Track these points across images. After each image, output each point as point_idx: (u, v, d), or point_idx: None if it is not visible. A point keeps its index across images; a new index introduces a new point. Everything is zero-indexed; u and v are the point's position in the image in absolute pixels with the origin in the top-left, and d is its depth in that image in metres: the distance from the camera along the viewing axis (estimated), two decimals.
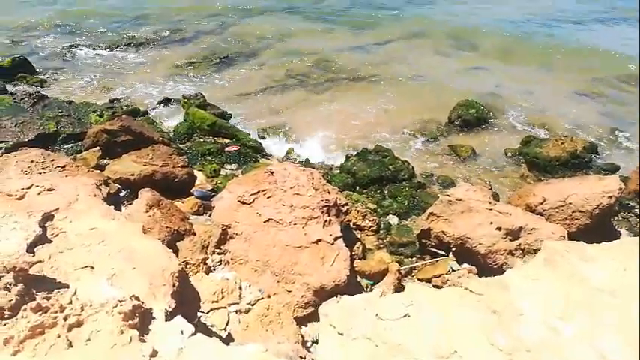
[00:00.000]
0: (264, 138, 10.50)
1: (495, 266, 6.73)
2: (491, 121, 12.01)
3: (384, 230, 8.06)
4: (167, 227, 6.33)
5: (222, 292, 5.41)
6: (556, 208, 7.34)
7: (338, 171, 9.53)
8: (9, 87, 11.71)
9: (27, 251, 3.55)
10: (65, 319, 2.64)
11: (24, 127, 9.74)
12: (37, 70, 13.12)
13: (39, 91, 10.93)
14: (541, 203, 7.49)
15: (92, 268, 3.60)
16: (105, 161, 8.95)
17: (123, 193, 7.68)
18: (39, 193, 4.48)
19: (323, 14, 19.52)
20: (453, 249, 7.12)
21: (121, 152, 9.03)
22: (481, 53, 16.68)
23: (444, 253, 7.30)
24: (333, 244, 6.03)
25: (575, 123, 12.09)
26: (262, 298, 5.49)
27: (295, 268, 5.64)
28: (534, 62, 16.20)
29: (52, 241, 3.85)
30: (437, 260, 7.29)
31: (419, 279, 7.20)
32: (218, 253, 6.29)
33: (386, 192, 9.09)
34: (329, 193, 6.90)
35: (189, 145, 9.96)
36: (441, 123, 11.87)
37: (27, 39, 15.89)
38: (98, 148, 8.99)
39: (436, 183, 9.59)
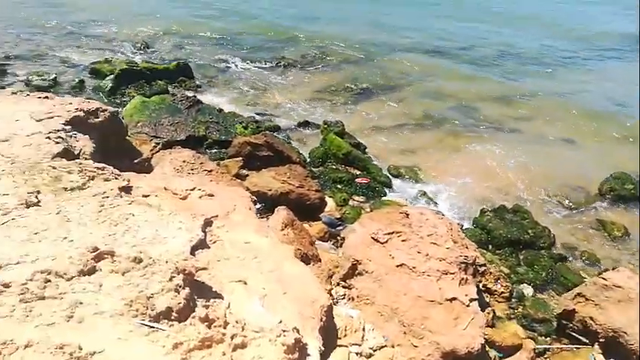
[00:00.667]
0: (396, 176, 10.27)
1: None
2: None
3: (516, 300, 7.34)
4: (298, 249, 6.31)
5: (345, 330, 5.20)
6: None
7: (470, 224, 8.98)
8: (170, 88, 12.86)
9: (190, 254, 3.61)
10: (232, 337, 2.56)
11: (178, 127, 10.53)
12: (195, 76, 14.26)
13: (195, 96, 11.82)
14: None
15: (245, 283, 3.56)
16: (244, 171, 9.33)
17: (257, 206, 7.89)
18: (200, 197, 4.64)
19: (471, 60, 19.05)
20: (601, 340, 6.24)
21: (260, 166, 9.37)
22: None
23: (587, 341, 6.44)
24: (468, 305, 5.56)
25: None
26: (385, 346, 5.18)
27: (426, 324, 5.26)
28: None
29: (209, 248, 3.90)
30: (577, 348, 6.44)
31: None
32: (343, 287, 6.11)
33: (521, 257, 8.34)
34: (467, 248, 6.44)
35: (322, 170, 10.05)
36: (590, 193, 10.76)
37: (187, 46, 17.44)
38: (240, 158, 9.39)
39: (579, 258, 8.61)
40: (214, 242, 3.99)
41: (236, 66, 16.06)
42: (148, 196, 4.87)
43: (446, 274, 5.88)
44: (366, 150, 11.01)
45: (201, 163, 8.13)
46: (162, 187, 4.80)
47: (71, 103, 7.62)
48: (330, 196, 8.84)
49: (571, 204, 10.27)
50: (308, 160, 10.30)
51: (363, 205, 9.07)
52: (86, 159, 6.66)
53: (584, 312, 6.38)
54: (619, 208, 10.26)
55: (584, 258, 8.59)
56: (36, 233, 3.86)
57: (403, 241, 6.22)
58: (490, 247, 8.52)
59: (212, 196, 4.69)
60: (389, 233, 6.31)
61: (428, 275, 5.80)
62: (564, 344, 6.58)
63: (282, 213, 6.66)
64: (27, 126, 6.73)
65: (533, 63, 20.01)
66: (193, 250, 3.73)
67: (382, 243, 6.19)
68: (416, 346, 5.22)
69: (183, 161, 7.93)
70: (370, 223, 6.66)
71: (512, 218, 9.07)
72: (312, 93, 14.30)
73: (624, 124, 14.68)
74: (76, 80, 12.89)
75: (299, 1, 25.60)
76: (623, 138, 13.69)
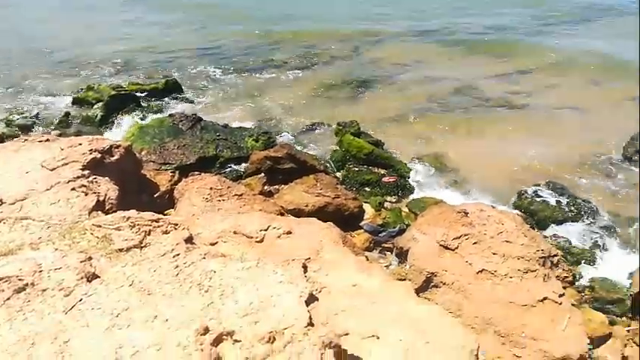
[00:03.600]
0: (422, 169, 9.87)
1: None
2: None
3: (581, 283, 7.05)
4: None
5: None
6: None
7: (510, 209, 8.64)
8: (164, 108, 12.16)
9: (308, 313, 3.10)
10: None
11: (185, 149, 9.89)
12: (186, 91, 13.56)
13: (195, 114, 11.15)
14: None
15: (378, 338, 3.07)
16: (268, 187, 8.80)
17: None
18: (279, 236, 4.13)
19: (459, 40, 18.71)
20: None
21: (283, 179, 8.85)
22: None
23: None
24: (560, 303, 5.20)
25: None
26: None
27: (526, 331, 4.87)
28: None
29: (317, 299, 3.40)
30: None
31: (638, 344, 6.10)
32: None
33: (572, 236, 8.05)
34: (538, 240, 6.09)
35: (344, 173, 9.57)
36: (612, 158, 10.57)
37: (170, 61, 16.60)
38: (262, 174, 8.84)
39: (626, 226, 8.38)
40: (319, 291, 3.50)
41: (225, 75, 15.34)
42: (216, 243, 4.34)
43: (527, 272, 5.51)
44: (384, 146, 10.55)
45: (229, 187, 7.58)
46: (229, 231, 4.26)
47: (81, 144, 6.97)
48: (366, 202, 8.37)
49: (599, 172, 10.05)
50: (326, 164, 9.79)
51: (398, 205, 8.64)
52: (112, 204, 6.07)
53: None
54: None
55: (633, 224, 8.36)
56: (117, 315, 3.31)
57: (474, 244, 5.81)
58: (537, 229, 8.19)
59: (290, 233, 4.18)
60: (457, 238, 5.89)
61: (511, 277, 5.41)
62: None
63: (335, 233, 6.16)
64: (41, 178, 6.09)
65: (524, 36, 19.82)
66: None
67: (453, 250, 5.77)
68: (519, 357, 4.84)
69: (210, 188, 7.36)
70: (430, 229, 6.23)
71: (550, 196, 8.77)
72: (308, 93, 13.77)
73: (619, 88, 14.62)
74: (61, 114, 12.04)
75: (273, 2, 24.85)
76: (626, 98, 13.59)
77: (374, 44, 17.84)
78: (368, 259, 6.55)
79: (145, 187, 7.91)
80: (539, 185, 9.15)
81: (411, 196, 9.01)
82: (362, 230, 7.78)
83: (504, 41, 18.77)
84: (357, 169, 9.71)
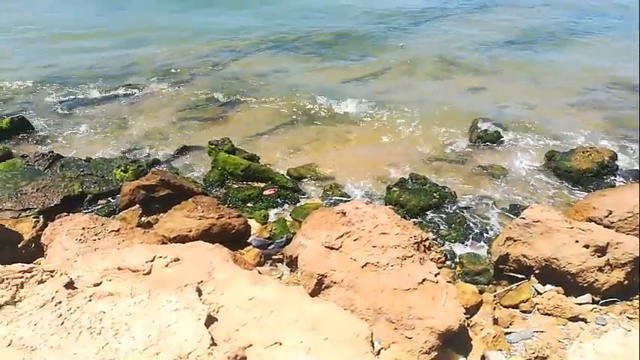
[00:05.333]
0: (298, 178, 10.20)
1: (585, 285, 6.65)
2: (506, 139, 12.15)
3: (451, 261, 7.89)
4: None
5: None
6: (625, 219, 7.39)
7: (382, 203, 9.34)
8: (14, 150, 11.02)
9: (209, 334, 3.16)
10: None
11: (46, 190, 9.12)
12: (35, 128, 12.43)
13: (52, 151, 10.29)
14: (607, 216, 7.53)
15: (280, 344, 3.24)
16: (144, 218, 8.45)
17: None
18: (167, 265, 4.06)
19: (312, 49, 19.62)
20: (536, 272, 7.01)
21: (160, 208, 8.56)
22: (472, 74, 17.13)
23: (523, 276, 7.18)
24: (437, 282, 5.80)
25: (581, 132, 12.45)
26: (382, 349, 5.17)
27: (412, 313, 5.35)
28: (522, 78, 16.78)
29: (217, 319, 3.46)
30: (517, 285, 7.14)
31: (504, 306, 7.01)
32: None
33: (438, 220, 8.95)
34: (409, 228, 6.70)
35: (224, 192, 9.55)
36: (461, 144, 11.96)
37: (14, 97, 15.05)
38: (137, 206, 8.46)
39: (481, 204, 9.54)
40: (217, 311, 3.55)
41: (78, 104, 14.27)
42: (100, 283, 4.14)
43: (405, 259, 6.05)
44: (259, 160, 10.73)
45: (103, 225, 7.16)
46: (113, 268, 4.10)
47: None
48: (250, 217, 8.45)
49: (450, 158, 11.31)
50: (205, 185, 9.69)
51: (282, 215, 8.86)
52: None
53: (517, 252, 7.10)
54: (488, 151, 11.59)
55: (483, 202, 9.54)
56: None
57: (355, 240, 6.23)
58: (408, 218, 8.97)
59: (178, 260, 4.13)
60: (339, 237, 6.26)
61: (392, 266, 5.90)
62: (505, 286, 7.25)
63: (224, 252, 6.17)
64: None
65: (370, 40, 21.43)
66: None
67: (338, 249, 6.13)
68: (410, 338, 5.30)
69: (83, 228, 6.90)
70: (314, 232, 6.55)
71: (415, 187, 9.66)
72: (176, 114, 13.44)
73: (459, 79, 16.59)
74: None
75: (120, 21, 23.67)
76: (462, 91, 15.44)
77: (235, 58, 18.00)
78: (260, 273, 6.67)
79: (6, 239, 7.15)
80: (404, 179, 9.99)
81: (294, 206, 9.29)
82: (251, 247, 7.86)
83: (353, 49, 20.10)
84: (236, 186, 9.75)
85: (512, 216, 8.84)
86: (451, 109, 13.90)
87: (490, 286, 7.40)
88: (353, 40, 21.38)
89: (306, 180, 10.27)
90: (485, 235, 8.58)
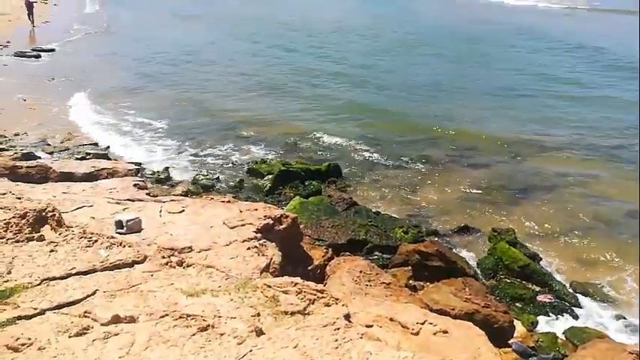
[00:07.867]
0: (583, 294, 9.00)
1: None
2: None
3: None
4: None
5: None
6: None
7: None
8: (322, 188, 13.05)
9: None
10: None
11: (338, 229, 10.43)
12: (344, 175, 14.43)
13: (351, 198, 11.80)
14: None
15: None
16: (412, 281, 8.78)
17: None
18: (434, 333, 4.13)
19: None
20: None
21: (429, 276, 8.79)
22: None
23: None
24: None
25: None
26: None
27: None
28: None
29: None
30: None
31: None
32: None
33: None
34: None
35: (495, 283, 9.15)
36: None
37: (332, 145, 17.83)
38: (410, 267, 8.89)
39: None
40: None
41: (380, 165, 15.98)
42: (371, 326, 4.49)
43: None
44: (541, 261, 9.92)
45: (377, 274, 7.79)
46: (386, 317, 4.38)
47: (257, 210, 7.82)
48: (517, 319, 7.86)
49: None
50: (478, 271, 9.48)
51: (554, 330, 7.93)
52: (276, 269, 6.58)
53: None
54: None
55: None
56: None
57: None
58: None
59: (447, 332, 4.15)
60: None
61: None
62: None
63: (490, 344, 5.86)
64: (223, 233, 6.92)
65: None
66: None
67: None
68: None
69: (360, 271, 7.64)
70: None
71: None
72: (464, 193, 13.66)
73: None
74: (237, 180, 13.66)
75: (442, 99, 25.20)
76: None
77: (540, 153, 17.23)
78: None
79: (302, 258, 8.46)
80: None
81: (570, 324, 8.20)
82: (509, 349, 7.26)
83: None
84: (509, 280, 9.24)
85: None
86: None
87: None
88: None
89: (590, 299, 8.95)
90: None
